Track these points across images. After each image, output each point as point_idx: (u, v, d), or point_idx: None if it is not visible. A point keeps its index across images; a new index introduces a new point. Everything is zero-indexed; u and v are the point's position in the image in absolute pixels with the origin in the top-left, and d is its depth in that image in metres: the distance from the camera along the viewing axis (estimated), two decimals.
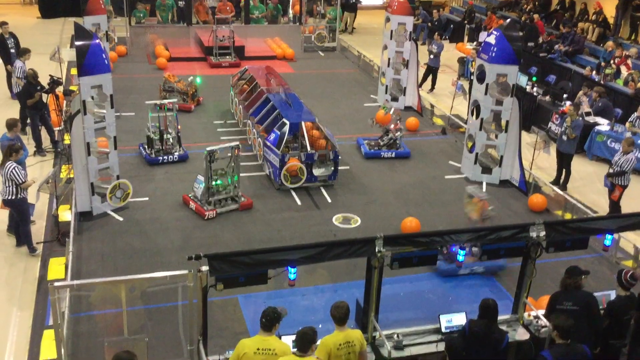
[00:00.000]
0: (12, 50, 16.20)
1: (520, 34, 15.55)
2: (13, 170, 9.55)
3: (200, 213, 11.25)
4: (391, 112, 14.17)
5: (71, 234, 9.89)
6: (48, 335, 8.17)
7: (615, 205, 11.75)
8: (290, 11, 24.96)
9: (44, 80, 13.86)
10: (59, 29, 24.05)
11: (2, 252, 10.12)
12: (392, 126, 13.96)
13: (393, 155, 13.82)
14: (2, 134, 10.88)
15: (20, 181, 9.60)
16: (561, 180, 13.20)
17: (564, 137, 12.88)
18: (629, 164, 11.39)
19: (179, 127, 13.50)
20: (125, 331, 7.30)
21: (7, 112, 14.05)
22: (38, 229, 10.74)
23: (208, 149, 11.16)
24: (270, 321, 6.20)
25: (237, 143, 11.52)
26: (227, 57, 20.49)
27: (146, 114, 15.36)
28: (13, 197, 9.71)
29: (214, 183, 11.39)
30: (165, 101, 13.44)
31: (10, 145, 9.84)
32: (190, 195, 11.58)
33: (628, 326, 7.33)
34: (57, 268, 9.65)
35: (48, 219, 11.05)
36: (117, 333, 7.69)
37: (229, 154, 11.45)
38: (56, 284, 6.54)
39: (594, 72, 18.04)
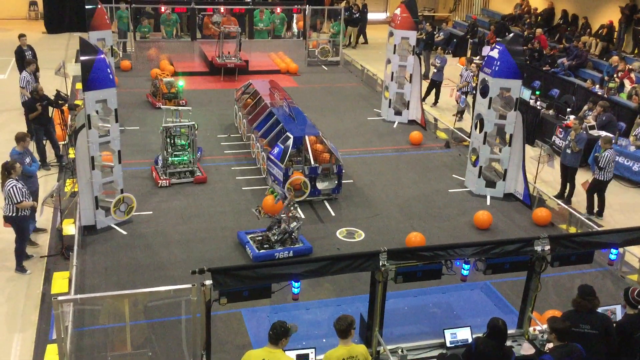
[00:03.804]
0: (30, 57, 16.39)
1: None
2: (11, 189, 9.54)
3: (155, 180, 12.83)
4: (283, 200, 10.66)
5: (75, 247, 9.88)
6: (51, 350, 8.14)
7: (589, 196, 12.60)
8: (295, 26, 25.11)
9: (50, 95, 13.91)
10: (64, 44, 24.24)
11: (5, 266, 10.11)
12: (283, 215, 10.51)
13: (291, 254, 10.36)
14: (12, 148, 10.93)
15: (17, 200, 9.57)
16: (565, 194, 13.18)
17: (568, 151, 12.88)
18: (605, 160, 12.11)
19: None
20: (128, 346, 7.29)
21: (19, 125, 14.14)
22: (42, 242, 10.76)
23: (164, 125, 12.86)
24: (277, 334, 6.19)
25: (194, 123, 12.98)
26: (233, 58, 20.64)
27: (150, 128, 15.51)
28: (13, 215, 9.71)
29: (170, 159, 12.93)
30: (181, 108, 13.87)
31: (4, 164, 9.81)
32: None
33: (638, 344, 7.26)
34: (60, 282, 9.64)
35: (52, 233, 11.06)
36: (120, 347, 7.68)
37: (188, 134, 12.91)
38: (60, 298, 6.54)
39: (597, 85, 18.08)
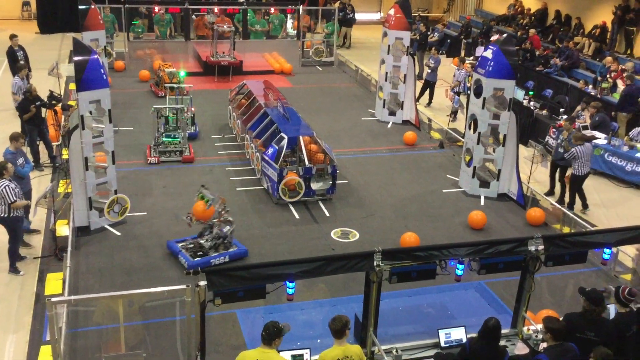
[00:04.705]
0: (22, 62, 16.34)
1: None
2: (4, 189, 9.49)
3: (146, 156, 13.96)
4: (214, 204, 10.16)
5: (69, 249, 9.84)
6: (45, 351, 8.11)
7: (570, 191, 12.85)
8: (290, 27, 25.08)
9: (43, 95, 13.88)
10: (57, 44, 24.15)
11: None
12: (215, 220, 10.28)
13: (227, 259, 10.20)
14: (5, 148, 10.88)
15: (11, 200, 9.52)
16: (556, 192, 13.27)
17: (561, 150, 12.95)
18: (570, 155, 12.36)
19: (193, 108, 15.32)
20: (122, 347, 7.27)
21: (12, 125, 14.08)
22: (36, 243, 10.72)
23: (155, 106, 14.03)
24: (270, 335, 6.19)
25: (183, 106, 14.30)
26: (227, 57, 20.67)
27: (145, 128, 15.49)
28: (5, 215, 9.64)
29: (165, 139, 14.02)
30: (183, 85, 15.35)
31: None
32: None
33: (630, 342, 7.28)
34: (54, 283, 9.61)
35: (46, 234, 11.01)
36: (114, 348, 7.66)
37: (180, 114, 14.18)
38: (53, 299, 6.52)
39: (590, 85, 18.14)
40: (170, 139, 14.05)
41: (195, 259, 9.98)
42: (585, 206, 12.82)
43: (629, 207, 13.31)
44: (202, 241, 10.23)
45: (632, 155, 14.11)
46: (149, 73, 20.29)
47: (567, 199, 12.96)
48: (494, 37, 20.53)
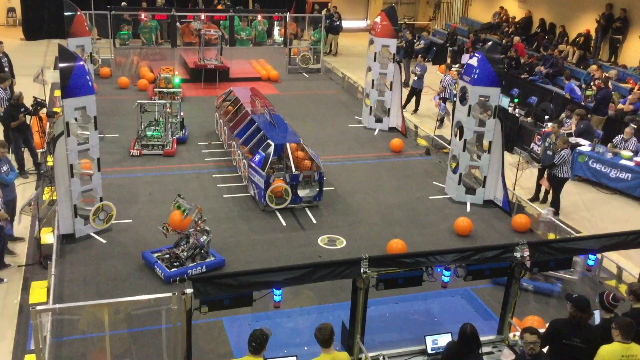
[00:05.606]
0: (6, 69, 16.22)
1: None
2: None
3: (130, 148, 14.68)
4: (191, 213, 9.96)
5: (53, 256, 9.75)
6: None
7: (554, 194, 12.99)
8: (276, 34, 25.11)
9: (28, 102, 13.79)
10: (42, 50, 24.01)
11: None
12: (191, 229, 10.13)
13: (204, 269, 10.00)
14: None
15: None
16: (540, 197, 13.40)
17: (549, 153, 13.05)
18: (561, 159, 12.60)
19: (183, 113, 15.96)
20: (108, 356, 7.21)
21: None
22: (20, 251, 10.61)
23: (138, 101, 14.77)
24: (261, 344, 6.19)
25: (165, 101, 15.15)
26: (214, 60, 20.67)
27: (131, 135, 15.43)
28: None
29: (148, 133, 14.84)
30: (172, 90, 15.91)
31: None
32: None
33: None
34: (39, 292, 9.51)
35: (30, 242, 10.91)
36: (100, 357, 7.59)
37: (161, 109, 15.02)
38: (38, 308, 6.47)
39: (577, 89, 18.31)
40: (152, 133, 14.86)
41: (172, 270, 9.84)
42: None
43: (613, 213, 13.43)
44: (178, 251, 10.10)
45: (616, 162, 14.25)
46: (129, 81, 20.19)
47: (549, 201, 13.13)
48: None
